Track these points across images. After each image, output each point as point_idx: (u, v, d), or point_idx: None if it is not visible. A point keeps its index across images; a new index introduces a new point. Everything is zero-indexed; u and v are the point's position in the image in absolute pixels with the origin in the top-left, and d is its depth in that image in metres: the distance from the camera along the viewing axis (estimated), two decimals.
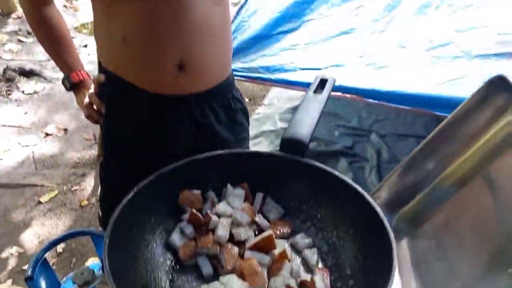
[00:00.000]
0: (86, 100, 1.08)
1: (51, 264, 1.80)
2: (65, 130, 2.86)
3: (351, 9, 2.24)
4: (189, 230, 0.71)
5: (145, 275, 0.63)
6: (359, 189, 0.68)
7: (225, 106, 1.07)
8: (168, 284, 0.66)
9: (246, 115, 1.17)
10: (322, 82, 0.89)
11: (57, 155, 2.64)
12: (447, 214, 0.76)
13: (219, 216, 0.73)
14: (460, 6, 2.07)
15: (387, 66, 1.97)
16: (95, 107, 1.06)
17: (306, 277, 0.64)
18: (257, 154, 0.80)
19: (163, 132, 1.01)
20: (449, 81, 1.80)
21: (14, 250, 2.00)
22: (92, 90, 1.07)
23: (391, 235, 0.59)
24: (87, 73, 1.16)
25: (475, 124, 0.83)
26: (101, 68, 1.03)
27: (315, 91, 0.87)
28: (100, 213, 1.20)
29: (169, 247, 0.71)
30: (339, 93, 1.91)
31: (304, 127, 0.77)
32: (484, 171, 0.80)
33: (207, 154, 0.76)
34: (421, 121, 2.74)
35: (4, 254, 1.97)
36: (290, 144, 0.75)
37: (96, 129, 2.68)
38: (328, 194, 0.74)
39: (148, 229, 0.69)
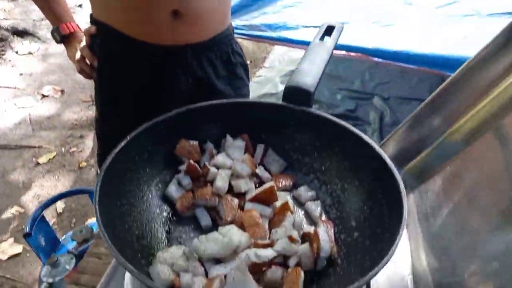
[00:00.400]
0: (78, 54, 1.03)
1: (51, 224, 1.81)
2: (62, 91, 2.80)
3: None
4: (186, 181, 0.68)
5: (140, 226, 0.61)
6: (368, 139, 0.64)
7: (224, 60, 1.02)
8: (164, 235, 0.63)
9: (246, 71, 1.12)
10: (329, 29, 0.83)
11: (54, 116, 2.60)
12: (456, 169, 0.73)
13: (218, 167, 0.70)
14: None
15: (393, 24, 1.89)
16: (87, 61, 1.02)
17: (309, 229, 0.62)
18: (259, 104, 0.75)
19: (158, 85, 0.97)
20: (458, 40, 1.72)
21: (14, 210, 2.00)
22: (83, 43, 1.02)
23: (401, 185, 0.55)
24: (77, 26, 1.10)
25: (490, 74, 0.78)
26: (93, 20, 0.98)
27: (321, 39, 0.81)
28: (98, 170, 1.17)
29: (166, 199, 0.68)
30: (343, 52, 1.84)
31: (309, 75, 0.71)
32: (497, 124, 0.76)
33: (206, 103, 0.71)
34: (425, 84, 2.67)
35: (5, 214, 1.97)
36: (293, 93, 0.70)
37: (93, 90, 2.61)
38: (334, 145, 0.70)
39: (143, 179, 0.66)
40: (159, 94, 0.97)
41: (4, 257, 1.79)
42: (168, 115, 0.67)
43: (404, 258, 0.68)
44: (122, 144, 0.60)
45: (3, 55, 3.08)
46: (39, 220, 1.31)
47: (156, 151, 0.68)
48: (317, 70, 0.73)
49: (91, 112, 2.60)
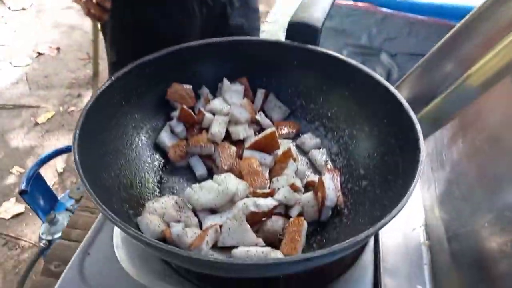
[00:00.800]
0: None
1: (52, 184, 1.78)
2: (58, 49, 2.70)
3: None
4: (179, 128, 0.62)
5: (129, 175, 0.55)
6: (382, 79, 0.57)
7: None
8: (156, 185, 0.58)
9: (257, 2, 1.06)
10: None
11: (51, 75, 2.52)
12: (476, 113, 0.66)
13: (214, 113, 0.64)
14: None
15: None
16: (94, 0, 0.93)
17: (314, 178, 0.56)
18: (259, 43, 0.68)
19: (174, 20, 0.91)
20: None
21: (15, 170, 1.97)
22: None
23: (418, 127, 0.49)
24: None
25: (505, 16, 0.70)
26: None
27: None
28: None
29: (158, 147, 0.63)
30: (350, 2, 1.74)
31: (316, 9, 0.63)
32: None
33: (201, 42, 0.64)
34: (434, 40, 2.52)
35: (6, 174, 1.95)
36: (298, 30, 0.63)
37: (90, 48, 2.52)
38: (342, 88, 0.63)
39: (131, 126, 0.60)
40: (171, 28, 0.92)
41: (7, 216, 1.78)
42: (159, 53, 0.60)
43: (415, 209, 0.63)
44: (106, 85, 0.54)
45: None
46: (35, 177, 1.27)
47: (146, 94, 0.62)
48: (324, 3, 0.65)
49: (88, 71, 2.51)
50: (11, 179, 1.95)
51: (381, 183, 0.53)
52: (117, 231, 0.55)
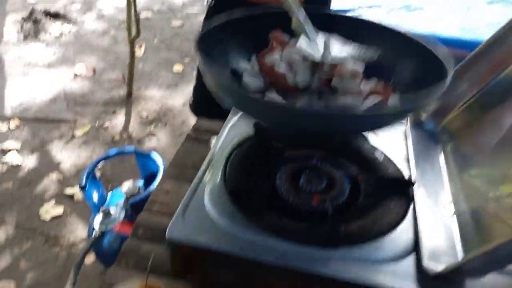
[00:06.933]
0: None
1: None
2: (94, 70, 2.92)
3: None
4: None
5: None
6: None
7: None
8: None
9: None
10: None
11: (87, 94, 2.72)
12: (501, 115, 0.72)
13: None
14: None
15: (421, 8, 1.97)
16: None
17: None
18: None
19: None
20: (485, 25, 1.79)
21: (54, 176, 2.12)
22: None
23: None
24: None
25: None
26: None
27: None
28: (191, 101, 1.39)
29: None
30: None
31: None
32: None
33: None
34: None
35: (46, 179, 2.10)
36: None
37: (124, 69, 2.73)
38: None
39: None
40: None
41: (47, 218, 1.91)
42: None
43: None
44: (221, 20, 0.63)
45: (37, 36, 3.22)
46: (92, 176, 1.43)
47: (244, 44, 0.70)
48: None
49: (122, 91, 2.71)
50: (50, 183, 2.09)
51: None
52: (207, 197, 0.64)
